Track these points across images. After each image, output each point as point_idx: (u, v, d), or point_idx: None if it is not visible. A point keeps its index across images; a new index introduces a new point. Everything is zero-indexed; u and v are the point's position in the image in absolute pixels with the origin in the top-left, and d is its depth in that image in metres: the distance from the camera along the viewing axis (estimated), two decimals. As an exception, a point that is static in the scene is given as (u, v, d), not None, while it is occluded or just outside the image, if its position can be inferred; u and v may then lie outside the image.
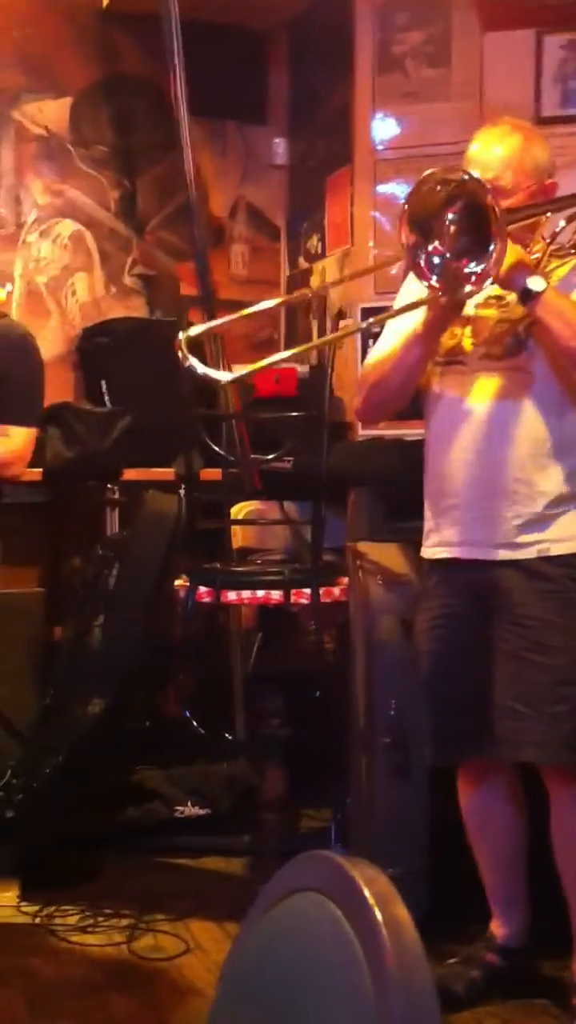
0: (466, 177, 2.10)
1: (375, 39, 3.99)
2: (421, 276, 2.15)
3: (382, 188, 4.02)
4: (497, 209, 2.03)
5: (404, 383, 2.42)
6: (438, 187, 2.11)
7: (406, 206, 2.13)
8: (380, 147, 4.03)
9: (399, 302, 2.44)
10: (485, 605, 2.37)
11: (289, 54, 4.56)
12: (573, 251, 2.34)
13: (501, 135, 2.36)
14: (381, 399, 2.47)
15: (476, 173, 2.12)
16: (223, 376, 2.66)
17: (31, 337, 3.00)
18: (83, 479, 3.76)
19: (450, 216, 2.11)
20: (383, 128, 4.03)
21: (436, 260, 2.13)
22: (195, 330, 2.45)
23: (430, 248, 2.12)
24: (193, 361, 2.25)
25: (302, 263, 4.60)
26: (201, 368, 2.28)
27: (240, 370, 2.57)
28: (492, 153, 2.33)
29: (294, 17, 4.41)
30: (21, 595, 3.56)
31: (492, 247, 2.03)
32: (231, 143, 4.57)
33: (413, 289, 2.34)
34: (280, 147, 4.58)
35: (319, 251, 4.47)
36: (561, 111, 3.88)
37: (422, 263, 2.13)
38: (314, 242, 4.49)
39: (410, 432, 2.64)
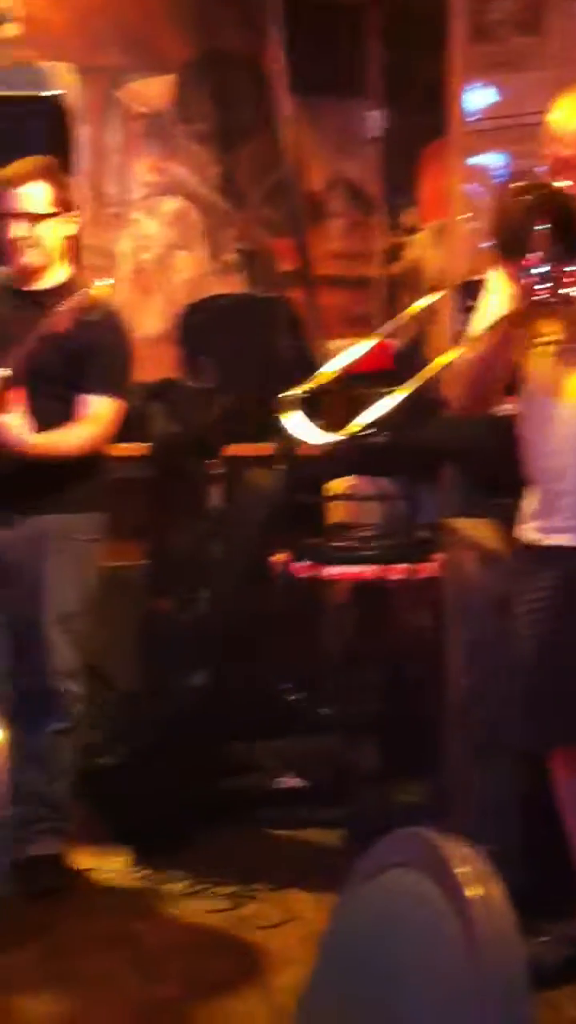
0: (545, 192, 2.07)
1: (467, 8, 3.93)
2: (527, 295, 2.12)
3: (476, 160, 3.98)
4: None
5: (501, 375, 2.39)
6: (522, 201, 2.08)
7: (496, 236, 2.10)
8: (474, 117, 3.98)
9: (489, 294, 2.41)
10: None
11: (383, 26, 4.53)
12: None
13: None
14: (478, 394, 2.46)
15: (562, 186, 2.08)
16: (329, 439, 2.44)
17: (117, 314, 3.01)
18: (187, 454, 3.81)
19: (539, 227, 2.08)
20: (476, 98, 3.98)
21: (543, 270, 2.10)
22: (298, 389, 2.40)
23: (533, 262, 2.09)
24: (298, 430, 2.21)
25: (398, 237, 4.58)
26: (297, 430, 2.25)
27: (333, 435, 2.36)
28: (573, 126, 2.27)
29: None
30: (126, 568, 3.63)
31: None
32: (327, 118, 4.56)
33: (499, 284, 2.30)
34: (375, 120, 4.56)
35: (415, 224, 4.44)
36: None
37: (531, 278, 2.10)
38: (410, 215, 4.47)
39: (501, 408, 2.62)
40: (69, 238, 2.91)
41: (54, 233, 2.85)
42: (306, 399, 3.24)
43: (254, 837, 3.28)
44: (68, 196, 2.90)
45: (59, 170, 2.95)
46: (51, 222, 2.83)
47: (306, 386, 2.45)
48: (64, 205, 2.86)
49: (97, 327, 2.78)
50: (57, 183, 2.86)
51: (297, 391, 2.37)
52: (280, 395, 2.33)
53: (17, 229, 2.81)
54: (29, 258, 2.84)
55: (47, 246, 2.85)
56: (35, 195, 2.81)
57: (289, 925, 2.74)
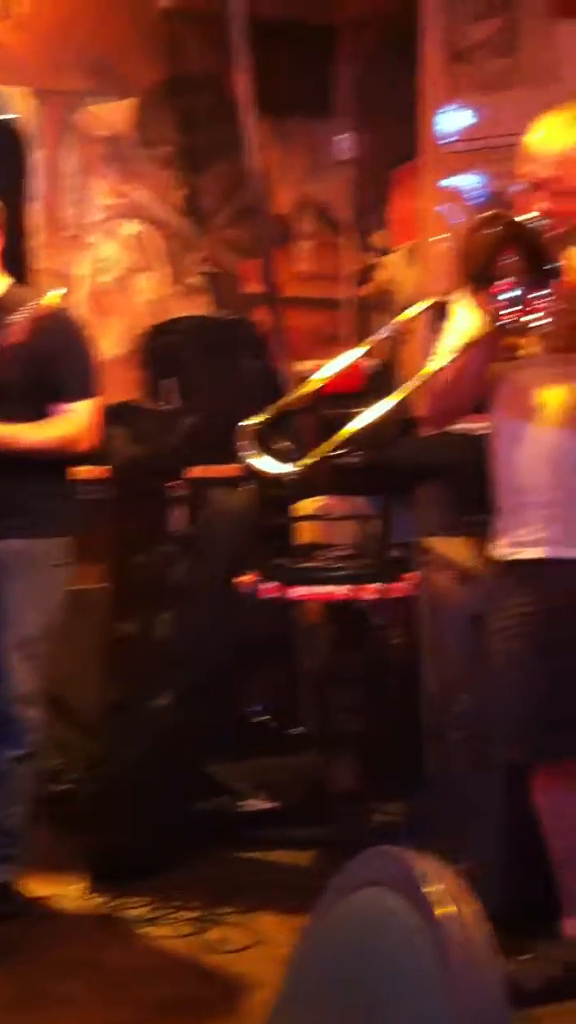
0: (514, 224, 2.07)
1: (442, 30, 3.95)
2: (494, 320, 2.12)
3: (450, 181, 3.99)
4: (554, 245, 1.99)
5: (469, 391, 2.40)
6: (487, 232, 2.09)
7: (463, 268, 2.10)
8: (448, 139, 4.00)
9: (456, 317, 2.41)
10: (569, 602, 2.34)
11: (355, 49, 4.55)
12: None
13: (560, 127, 2.30)
14: (447, 407, 2.46)
15: (525, 217, 2.08)
16: (287, 470, 2.38)
17: (72, 317, 2.99)
18: (150, 476, 3.79)
19: (509, 255, 2.08)
20: (451, 120, 4.00)
21: (506, 296, 2.10)
22: (256, 419, 2.38)
23: (503, 289, 2.10)
24: (257, 460, 2.22)
25: (368, 258, 4.59)
26: (266, 467, 2.25)
27: (306, 460, 2.33)
28: (549, 148, 2.28)
29: (359, 12, 4.39)
30: (87, 591, 3.60)
31: (555, 279, 2.00)
32: (296, 139, 4.57)
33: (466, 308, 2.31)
34: (345, 142, 4.57)
35: (385, 246, 4.45)
36: None
37: (501, 305, 2.11)
38: (380, 236, 4.48)
39: (475, 426, 2.63)
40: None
41: None
42: (276, 421, 3.23)
43: (222, 860, 3.24)
44: None
45: None
46: None
47: (268, 413, 2.44)
48: None
49: (56, 333, 2.76)
50: None
51: (256, 421, 2.35)
52: (241, 424, 2.31)
53: None
54: None
55: None
56: None
57: (257, 948, 2.71)
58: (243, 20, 3.71)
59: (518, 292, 2.07)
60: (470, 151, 3.91)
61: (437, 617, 2.85)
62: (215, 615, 3.37)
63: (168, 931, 2.80)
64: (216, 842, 3.30)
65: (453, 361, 2.32)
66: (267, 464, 2.28)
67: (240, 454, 2.24)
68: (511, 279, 2.07)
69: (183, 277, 4.41)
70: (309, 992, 1.03)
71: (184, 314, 4.30)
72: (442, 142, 3.98)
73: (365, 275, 4.59)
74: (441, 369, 2.36)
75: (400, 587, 2.96)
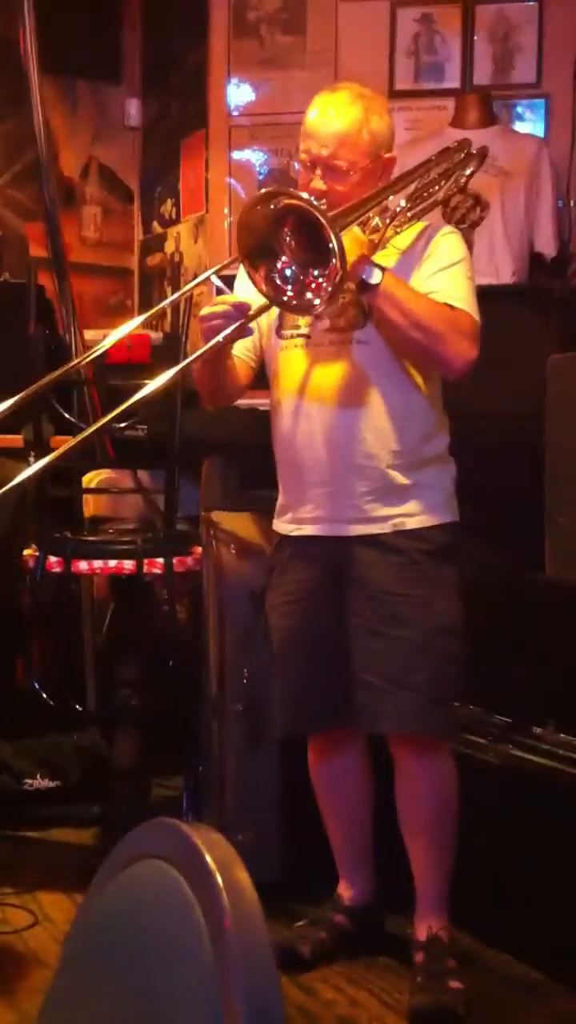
0: (292, 202, 2.07)
1: (230, 2, 3.95)
2: (272, 296, 2.12)
3: (237, 155, 4.00)
4: (329, 227, 2.00)
5: (221, 376, 2.39)
6: (266, 208, 2.08)
7: (240, 244, 2.10)
8: (235, 113, 4.00)
9: (238, 288, 2.41)
10: (339, 579, 2.39)
11: (143, 14, 4.49)
12: (409, 216, 2.34)
13: (340, 105, 2.30)
14: (205, 388, 2.46)
15: (304, 196, 2.08)
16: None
17: None
18: None
19: (287, 233, 2.08)
20: (238, 94, 4.00)
21: (288, 273, 2.10)
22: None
23: (279, 266, 2.10)
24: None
25: (156, 227, 4.54)
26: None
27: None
28: (329, 127, 2.28)
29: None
30: None
31: (331, 260, 2.01)
32: (82, 102, 4.47)
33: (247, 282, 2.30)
34: (133, 108, 4.51)
35: (173, 216, 4.42)
36: (414, 85, 3.92)
37: (277, 282, 2.10)
38: (168, 206, 4.44)
39: (263, 402, 2.64)
40: None
41: None
42: (61, 389, 3.16)
43: (2, 839, 3.17)
44: None
45: None
46: None
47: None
48: None
49: None
50: None
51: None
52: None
53: None
54: None
55: None
56: None
57: (37, 928, 2.67)
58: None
59: (293, 270, 2.08)
60: (256, 125, 3.93)
61: (220, 591, 2.86)
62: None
63: (-55, 915, 2.73)
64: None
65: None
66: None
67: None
68: (287, 257, 2.08)
69: (-36, 239, 4.26)
70: (85, 968, 1.02)
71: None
72: (231, 115, 3.98)
73: (153, 244, 4.54)
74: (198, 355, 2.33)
75: (185, 561, 2.96)
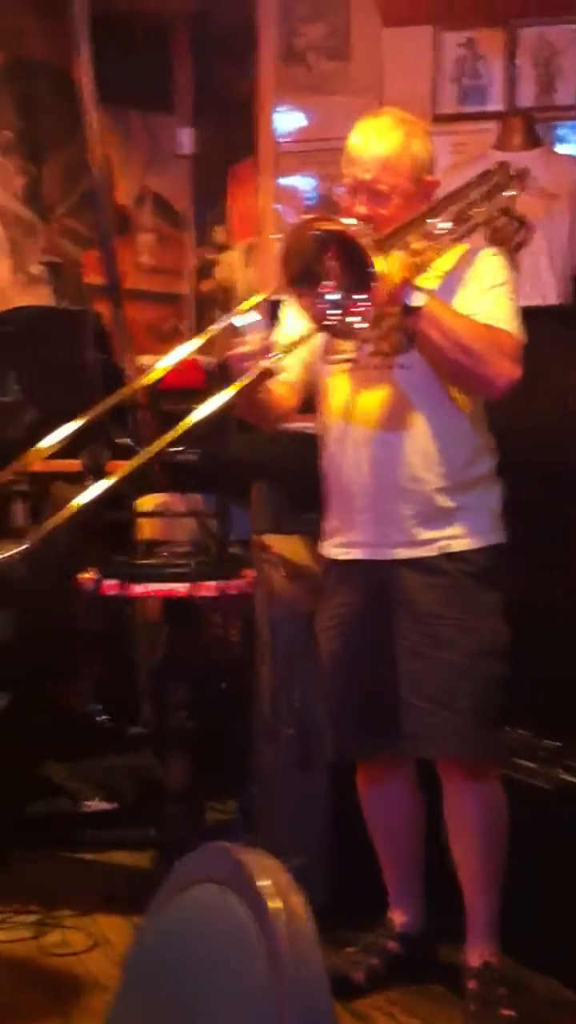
0: (331, 229, 2.09)
1: (277, 30, 3.99)
2: (318, 321, 2.14)
3: (285, 181, 4.03)
4: (370, 252, 2.02)
5: (264, 402, 2.40)
6: (309, 234, 2.09)
7: (284, 270, 2.11)
8: (282, 139, 4.04)
9: (286, 315, 2.43)
10: (385, 602, 2.38)
11: (192, 44, 4.55)
12: (451, 239, 2.34)
13: (381, 130, 2.33)
14: (249, 415, 2.48)
15: (343, 222, 2.10)
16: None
17: None
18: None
19: (330, 258, 2.10)
20: (285, 120, 4.04)
21: (332, 298, 2.12)
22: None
23: (323, 291, 2.11)
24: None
25: (208, 253, 4.59)
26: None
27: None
28: (371, 152, 2.30)
29: (197, 7, 4.40)
30: None
31: (373, 284, 2.03)
32: (136, 131, 4.54)
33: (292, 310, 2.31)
34: (185, 136, 4.57)
35: (225, 241, 4.46)
36: (458, 108, 3.93)
37: (321, 307, 2.13)
38: (220, 232, 4.49)
39: (308, 425, 2.66)
40: None
41: None
42: (116, 414, 3.20)
43: (60, 862, 3.20)
44: None
45: None
46: None
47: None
48: None
49: None
50: None
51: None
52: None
53: None
54: None
55: None
56: None
57: (96, 951, 2.69)
58: (84, 7, 3.67)
59: (338, 295, 2.10)
60: (303, 151, 3.96)
61: (271, 614, 2.87)
62: (54, 612, 3.32)
63: (6, 935, 2.75)
64: (54, 843, 3.26)
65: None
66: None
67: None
68: (332, 282, 2.10)
69: (24, 266, 4.33)
70: (143, 991, 1.04)
71: (24, 304, 4.23)
72: (279, 141, 4.02)
73: (205, 270, 4.59)
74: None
75: (237, 584, 2.97)
